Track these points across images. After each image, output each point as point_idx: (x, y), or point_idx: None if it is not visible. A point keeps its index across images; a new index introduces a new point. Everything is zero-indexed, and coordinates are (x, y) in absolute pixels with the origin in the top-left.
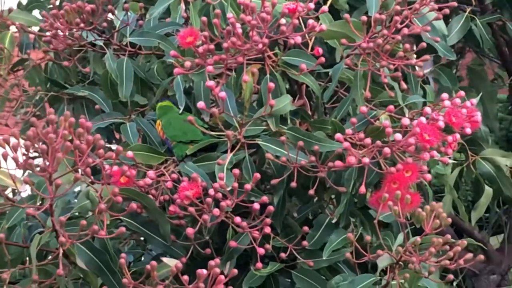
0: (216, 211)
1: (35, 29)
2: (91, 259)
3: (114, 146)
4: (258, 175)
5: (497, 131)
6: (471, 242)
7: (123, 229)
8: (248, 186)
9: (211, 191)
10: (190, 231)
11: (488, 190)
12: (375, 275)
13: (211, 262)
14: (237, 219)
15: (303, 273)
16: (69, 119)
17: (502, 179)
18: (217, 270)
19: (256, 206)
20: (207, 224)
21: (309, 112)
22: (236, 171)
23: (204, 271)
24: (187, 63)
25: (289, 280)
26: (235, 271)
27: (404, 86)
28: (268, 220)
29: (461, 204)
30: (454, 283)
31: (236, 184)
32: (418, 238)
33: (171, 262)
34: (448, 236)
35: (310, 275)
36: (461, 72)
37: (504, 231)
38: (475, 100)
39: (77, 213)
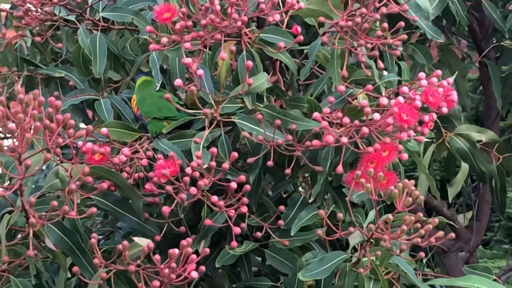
0: (193, 189)
1: (6, 6)
2: (61, 239)
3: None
4: (235, 154)
5: (469, 108)
6: (442, 220)
7: (94, 209)
8: (226, 165)
9: (188, 170)
10: (166, 209)
11: (464, 166)
12: (346, 252)
13: (183, 242)
14: (214, 198)
15: (275, 252)
16: (38, 98)
17: (476, 154)
18: (189, 249)
19: (233, 185)
20: (184, 203)
21: (283, 89)
22: (214, 149)
23: (176, 251)
24: (164, 39)
25: (261, 258)
26: (207, 250)
27: (381, 65)
28: (245, 200)
29: (433, 181)
30: (424, 260)
31: (213, 163)
32: (390, 216)
33: (142, 242)
34: (420, 214)
35: (282, 254)
36: (432, 50)
37: (473, 209)
38: (451, 79)
39: (46, 192)
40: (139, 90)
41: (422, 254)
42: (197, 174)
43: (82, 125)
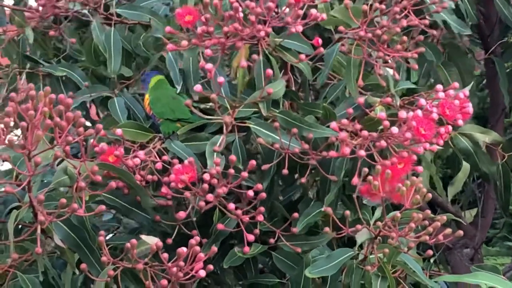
0: (210, 196)
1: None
2: (68, 235)
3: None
4: (253, 162)
5: (474, 106)
6: (450, 217)
7: (102, 207)
8: (244, 174)
9: (207, 176)
10: (182, 214)
11: (465, 166)
12: (353, 249)
13: (192, 241)
14: (231, 205)
15: (283, 255)
16: (49, 95)
17: (479, 154)
18: (197, 248)
19: (251, 193)
20: (202, 209)
21: (297, 92)
22: (233, 157)
23: (185, 249)
24: (184, 43)
25: (268, 259)
26: (215, 249)
27: (398, 77)
28: (262, 209)
29: (438, 179)
30: (431, 260)
31: (232, 171)
32: (398, 213)
33: (150, 240)
34: (428, 211)
35: (289, 257)
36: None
37: (478, 205)
38: (467, 91)
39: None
40: (153, 90)
41: (430, 252)
42: (215, 181)
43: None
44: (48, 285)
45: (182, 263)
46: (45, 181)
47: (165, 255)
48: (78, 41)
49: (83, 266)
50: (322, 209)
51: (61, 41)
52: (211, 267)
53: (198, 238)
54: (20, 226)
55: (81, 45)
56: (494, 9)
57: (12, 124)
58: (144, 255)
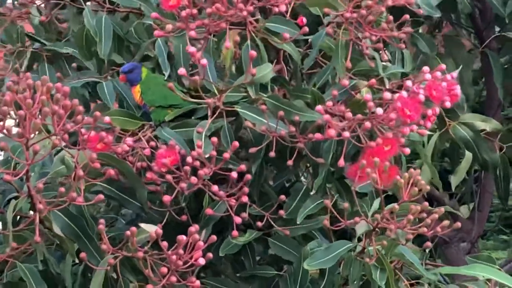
0: (193, 179)
1: None
2: (67, 225)
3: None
4: (236, 143)
5: (472, 98)
6: (448, 209)
7: (101, 196)
8: (226, 154)
9: (189, 159)
10: (166, 198)
11: (468, 155)
12: (352, 241)
13: (191, 229)
14: (215, 187)
15: (279, 240)
16: (46, 84)
17: (479, 143)
18: (197, 236)
19: (234, 174)
20: (185, 192)
21: (287, 78)
22: (215, 139)
23: (184, 237)
24: (169, 27)
25: (262, 248)
26: (214, 237)
27: (386, 57)
28: (246, 189)
29: (435, 172)
30: (427, 250)
31: (214, 153)
32: (396, 205)
33: (149, 228)
34: (426, 203)
35: (285, 242)
36: (436, 42)
37: (474, 199)
38: (455, 73)
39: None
40: (143, 81)
41: (429, 243)
42: (198, 163)
43: None
44: (47, 274)
45: (181, 251)
46: (43, 171)
47: (165, 243)
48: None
49: (83, 255)
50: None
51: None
52: (210, 255)
53: (197, 226)
54: (18, 217)
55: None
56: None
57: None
58: (143, 243)
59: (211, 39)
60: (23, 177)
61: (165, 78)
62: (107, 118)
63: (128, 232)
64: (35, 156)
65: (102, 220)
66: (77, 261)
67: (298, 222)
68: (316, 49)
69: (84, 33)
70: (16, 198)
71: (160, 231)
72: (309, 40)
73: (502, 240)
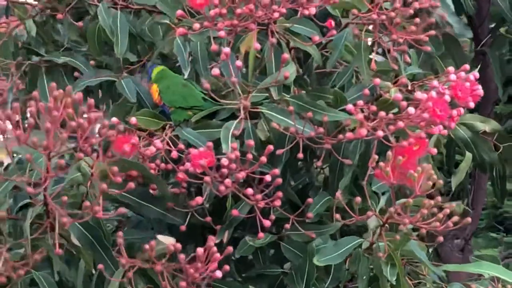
0: (228, 182)
1: None
2: (84, 235)
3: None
4: (271, 147)
5: None
6: (459, 206)
7: (122, 210)
8: (263, 158)
9: (225, 161)
10: (199, 199)
11: (468, 155)
12: (361, 237)
13: (210, 241)
14: (249, 190)
15: (291, 245)
16: (70, 95)
17: (478, 144)
18: (215, 248)
19: (268, 178)
20: (222, 194)
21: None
22: (251, 142)
23: (202, 250)
24: (196, 26)
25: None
26: (231, 249)
27: (408, 60)
28: (280, 193)
29: (436, 170)
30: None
31: (250, 156)
32: (410, 200)
33: (166, 240)
34: (439, 198)
35: (298, 247)
36: None
37: (468, 196)
38: (477, 73)
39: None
40: (160, 79)
41: (441, 238)
42: (234, 166)
43: None
44: (62, 284)
45: (199, 265)
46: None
47: (182, 256)
48: (77, 33)
49: (100, 266)
50: (334, 197)
51: (58, 34)
52: (227, 267)
53: (213, 237)
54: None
55: (80, 36)
56: (485, 0)
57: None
58: (160, 255)
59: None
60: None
61: (185, 77)
62: (133, 119)
63: (147, 246)
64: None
65: (120, 233)
66: (93, 271)
67: (312, 216)
68: (338, 50)
69: (96, 30)
70: (29, 204)
71: (179, 246)
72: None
73: (492, 238)
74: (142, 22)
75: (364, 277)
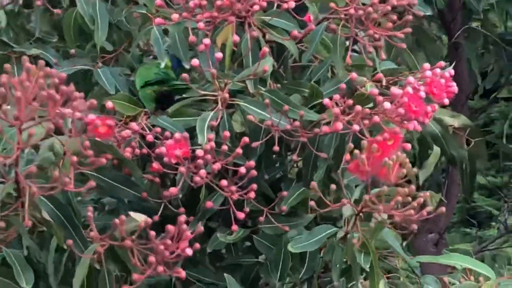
0: (203, 172)
1: None
2: (53, 213)
3: None
4: (246, 138)
5: None
6: (433, 194)
7: (92, 183)
8: (239, 150)
9: (200, 152)
10: (174, 190)
11: (436, 149)
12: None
13: (180, 218)
14: (224, 182)
15: (264, 238)
16: (43, 68)
17: (448, 139)
18: (185, 226)
19: (243, 170)
20: (197, 185)
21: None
22: (227, 133)
23: (172, 227)
24: (175, 16)
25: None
26: (202, 228)
27: (383, 56)
28: (255, 186)
29: (408, 164)
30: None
31: (225, 147)
32: (385, 187)
33: (138, 217)
34: (413, 187)
35: (270, 240)
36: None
37: (442, 191)
38: (452, 70)
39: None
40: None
41: (415, 226)
42: (209, 157)
43: None
44: (30, 262)
45: (169, 242)
46: (29, 158)
47: (152, 232)
48: (49, 23)
49: (70, 242)
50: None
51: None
52: (197, 245)
53: (184, 216)
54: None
55: (53, 27)
56: None
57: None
58: (131, 232)
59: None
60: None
61: (161, 66)
62: (109, 103)
63: (116, 220)
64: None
65: (90, 208)
66: (65, 247)
67: (285, 209)
68: (314, 44)
69: (72, 18)
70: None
71: (150, 220)
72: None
73: (465, 232)
74: (120, 11)
75: (338, 265)
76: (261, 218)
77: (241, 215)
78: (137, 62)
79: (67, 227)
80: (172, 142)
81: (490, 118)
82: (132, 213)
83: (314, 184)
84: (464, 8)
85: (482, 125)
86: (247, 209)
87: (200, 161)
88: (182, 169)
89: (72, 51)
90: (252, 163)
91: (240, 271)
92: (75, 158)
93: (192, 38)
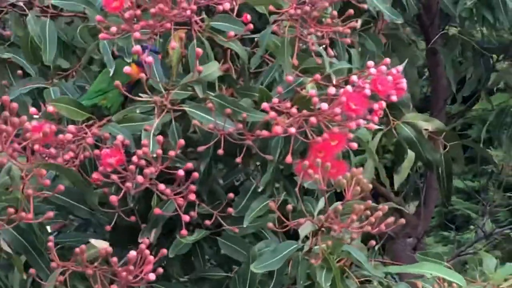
0: (140, 178)
1: None
2: (16, 239)
3: None
4: (182, 141)
5: (417, 96)
6: (392, 206)
7: (50, 214)
8: (172, 152)
9: (135, 158)
10: (113, 198)
11: (410, 154)
12: (298, 242)
13: (142, 245)
14: (161, 186)
15: (228, 240)
16: None
17: (423, 143)
18: (147, 251)
19: (181, 172)
20: (131, 191)
21: (234, 77)
22: (160, 137)
23: (134, 253)
24: (113, 29)
25: (216, 248)
26: (165, 251)
27: (331, 53)
28: (193, 187)
29: (382, 169)
30: (376, 247)
31: (160, 151)
32: (339, 205)
33: (99, 244)
34: (369, 202)
35: (235, 242)
36: (379, 36)
37: (420, 195)
38: (400, 67)
39: None
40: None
41: (373, 242)
42: (143, 162)
43: None
44: None
45: (131, 267)
46: None
47: (115, 259)
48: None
49: (32, 271)
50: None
51: (4, 28)
52: (160, 270)
53: (147, 240)
54: None
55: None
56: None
57: None
58: (93, 258)
59: (158, 39)
60: None
61: (110, 75)
62: (50, 108)
63: (77, 250)
64: None
65: (51, 237)
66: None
67: (245, 225)
68: (262, 47)
69: (29, 38)
70: None
71: (110, 249)
72: (256, 39)
73: (442, 236)
74: (74, 28)
75: (302, 282)
76: (207, 222)
77: (186, 218)
78: (93, 78)
79: (31, 253)
80: (108, 151)
81: (467, 123)
82: (93, 240)
83: (272, 204)
84: (441, 12)
85: (460, 129)
86: (193, 213)
87: (132, 167)
88: (114, 176)
89: (19, 72)
90: (189, 165)
91: (211, 284)
92: (31, 191)
93: (134, 48)
